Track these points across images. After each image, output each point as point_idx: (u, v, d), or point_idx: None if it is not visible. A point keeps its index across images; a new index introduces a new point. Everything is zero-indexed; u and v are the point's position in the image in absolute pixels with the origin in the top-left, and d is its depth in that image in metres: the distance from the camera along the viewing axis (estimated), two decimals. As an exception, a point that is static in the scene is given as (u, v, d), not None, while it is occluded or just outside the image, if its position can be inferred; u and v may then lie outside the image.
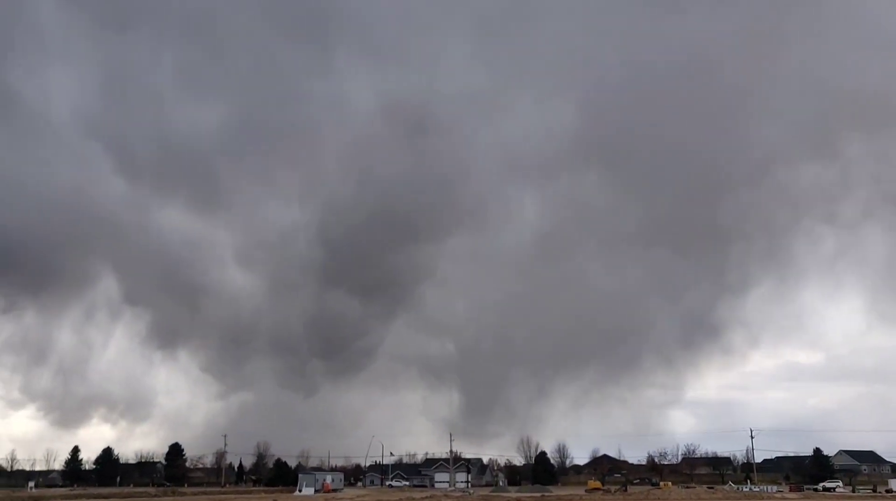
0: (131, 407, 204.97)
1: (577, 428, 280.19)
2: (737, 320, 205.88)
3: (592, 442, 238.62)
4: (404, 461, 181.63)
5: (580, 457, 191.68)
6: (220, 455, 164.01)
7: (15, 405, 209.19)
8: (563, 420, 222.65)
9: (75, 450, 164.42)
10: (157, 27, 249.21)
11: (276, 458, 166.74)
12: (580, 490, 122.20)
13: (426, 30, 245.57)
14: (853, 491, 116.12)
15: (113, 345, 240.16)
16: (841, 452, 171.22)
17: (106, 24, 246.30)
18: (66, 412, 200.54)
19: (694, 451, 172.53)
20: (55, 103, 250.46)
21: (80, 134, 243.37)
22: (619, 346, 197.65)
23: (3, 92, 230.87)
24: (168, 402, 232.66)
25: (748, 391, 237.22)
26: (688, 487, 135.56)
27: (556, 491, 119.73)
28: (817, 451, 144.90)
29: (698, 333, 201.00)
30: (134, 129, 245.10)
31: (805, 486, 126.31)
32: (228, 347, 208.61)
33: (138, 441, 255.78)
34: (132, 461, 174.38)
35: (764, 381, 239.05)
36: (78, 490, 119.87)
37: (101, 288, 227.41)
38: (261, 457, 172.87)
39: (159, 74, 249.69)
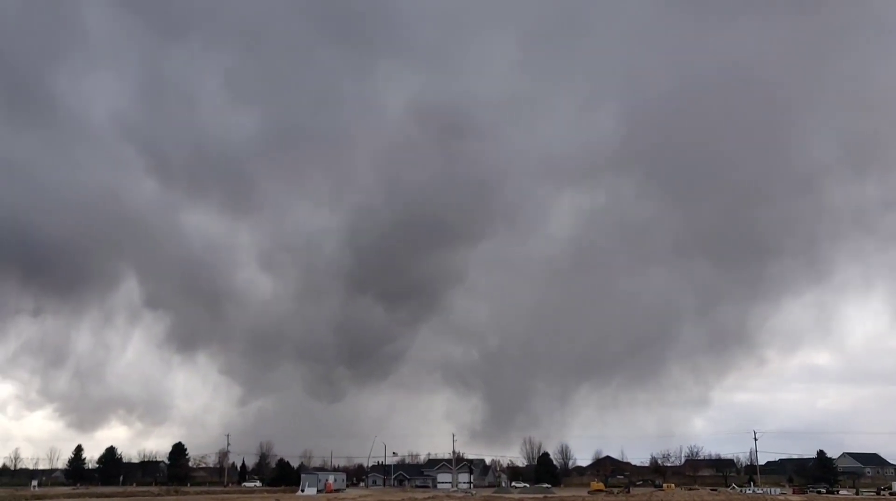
0: (149, 410, 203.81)
1: (604, 432, 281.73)
2: (766, 329, 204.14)
3: (595, 444, 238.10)
4: (407, 461, 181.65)
5: (583, 459, 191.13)
6: (223, 455, 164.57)
7: (32, 405, 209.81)
8: (590, 427, 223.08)
9: (78, 449, 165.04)
10: (198, 33, 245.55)
11: (278, 458, 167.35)
12: (583, 492, 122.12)
13: (467, 34, 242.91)
14: (857, 494, 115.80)
15: (131, 348, 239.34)
16: (845, 454, 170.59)
17: (147, 30, 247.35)
18: (83, 413, 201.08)
19: (697, 453, 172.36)
20: (94, 107, 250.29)
21: (116, 137, 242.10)
22: (646, 354, 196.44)
23: (45, 97, 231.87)
24: (186, 405, 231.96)
25: (765, 393, 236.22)
26: (691, 489, 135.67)
27: (559, 493, 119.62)
28: (821, 453, 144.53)
29: (728, 341, 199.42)
30: (169, 131, 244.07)
31: (809, 488, 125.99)
32: (252, 351, 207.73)
33: (153, 443, 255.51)
34: (136, 460, 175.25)
35: (781, 384, 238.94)
36: (81, 489, 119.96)
37: (123, 291, 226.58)
38: (263, 457, 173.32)
39: (197, 77, 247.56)
